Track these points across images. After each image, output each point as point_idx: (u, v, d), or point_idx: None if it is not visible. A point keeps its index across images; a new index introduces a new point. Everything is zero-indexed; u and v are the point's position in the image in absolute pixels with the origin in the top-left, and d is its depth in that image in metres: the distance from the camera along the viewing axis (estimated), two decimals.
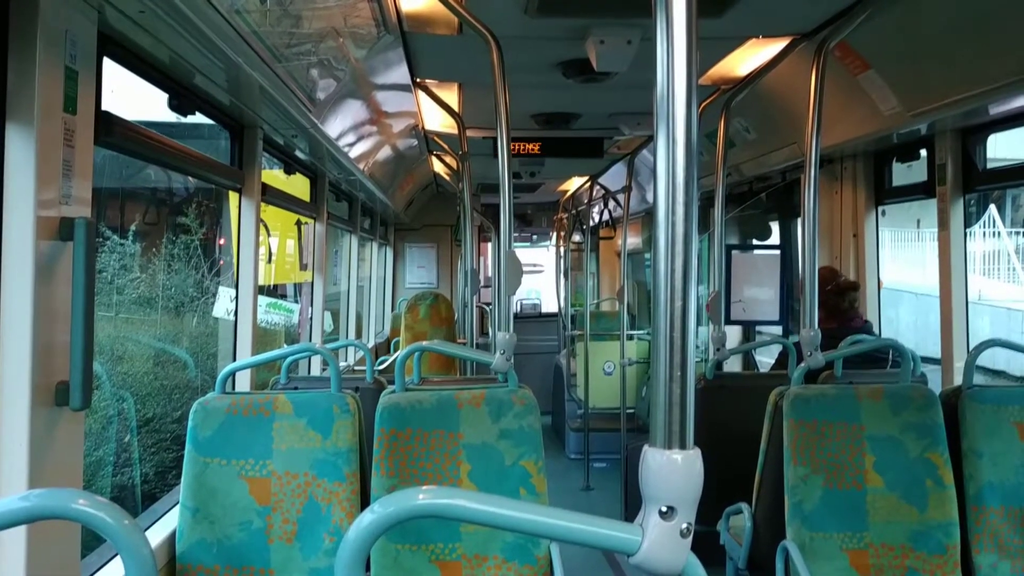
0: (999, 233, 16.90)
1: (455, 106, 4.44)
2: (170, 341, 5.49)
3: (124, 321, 5.19)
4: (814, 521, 2.79)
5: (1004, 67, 2.65)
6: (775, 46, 3.42)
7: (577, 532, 1.01)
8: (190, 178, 4.96)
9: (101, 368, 4.37)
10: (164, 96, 2.52)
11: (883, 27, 2.93)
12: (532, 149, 5.36)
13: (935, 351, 3.78)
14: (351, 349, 6.26)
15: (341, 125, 3.66)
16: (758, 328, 6.04)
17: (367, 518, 0.99)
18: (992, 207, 16.75)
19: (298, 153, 4.04)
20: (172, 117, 2.64)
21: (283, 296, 6.22)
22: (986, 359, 3.67)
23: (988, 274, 16.47)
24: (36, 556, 1.69)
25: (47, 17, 1.63)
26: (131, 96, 2.37)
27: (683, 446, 1.03)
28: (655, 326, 1.04)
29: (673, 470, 1.02)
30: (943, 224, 3.64)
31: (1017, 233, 17.67)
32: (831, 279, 4.15)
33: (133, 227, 5.37)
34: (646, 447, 1.04)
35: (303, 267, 5.29)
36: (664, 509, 1.01)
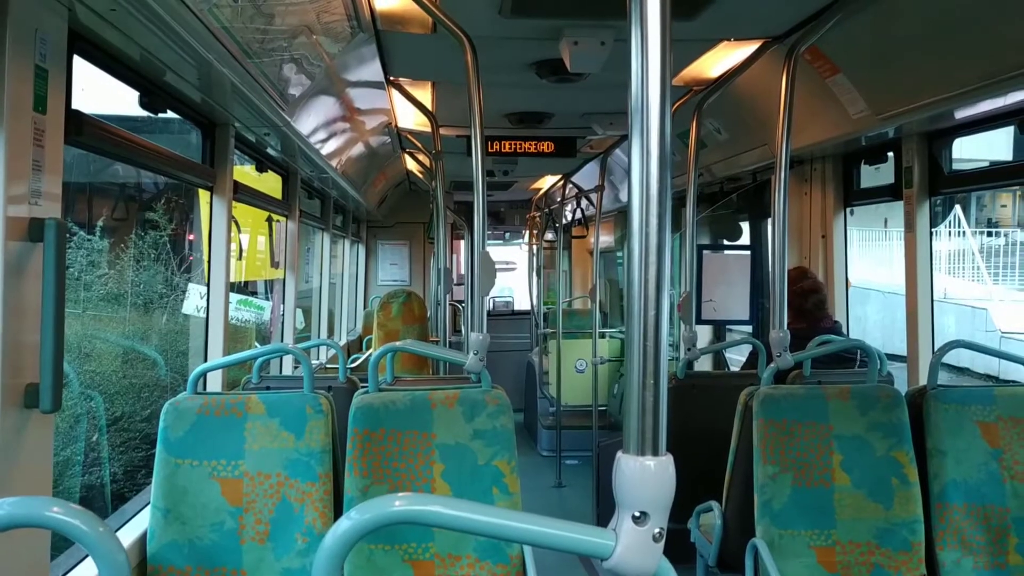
0: (964, 233, 17.21)
1: (429, 105, 4.43)
2: (139, 339, 5.43)
3: (92, 318, 5.12)
4: (783, 519, 2.83)
5: (969, 72, 2.70)
6: (747, 49, 3.46)
7: (551, 537, 1.03)
8: None
9: (69, 367, 4.31)
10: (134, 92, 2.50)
11: (853, 32, 2.97)
12: (505, 148, 5.36)
13: (902, 348, 3.84)
14: (323, 347, 6.23)
15: (314, 123, 3.64)
16: (728, 327, 6.09)
17: (344, 525, 0.99)
18: (957, 207, 17.06)
19: (270, 150, 4.01)
20: (142, 112, 2.61)
21: (254, 293, 6.17)
22: (951, 356, 3.73)
23: (953, 273, 16.77)
24: (4, 561, 1.67)
25: (16, 15, 1.61)
26: (99, 90, 2.34)
27: (656, 452, 1.04)
28: (628, 334, 1.05)
29: (646, 476, 1.03)
30: (909, 226, 3.70)
31: (981, 233, 18.00)
32: (799, 280, 4.14)
33: (101, 223, 5.30)
34: (620, 454, 1.06)
35: (275, 264, 5.25)
36: (637, 514, 1.03)
